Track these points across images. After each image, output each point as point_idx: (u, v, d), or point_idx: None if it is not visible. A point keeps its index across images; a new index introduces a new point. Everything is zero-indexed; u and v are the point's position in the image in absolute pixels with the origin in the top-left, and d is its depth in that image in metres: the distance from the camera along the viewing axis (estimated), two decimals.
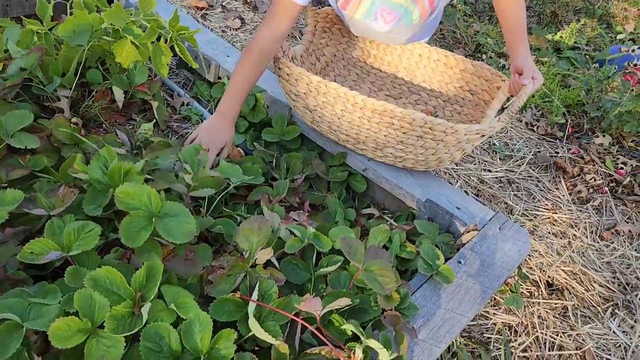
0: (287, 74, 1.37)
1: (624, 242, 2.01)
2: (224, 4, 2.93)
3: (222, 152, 1.40)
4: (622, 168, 2.33)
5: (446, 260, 1.23)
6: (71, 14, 1.73)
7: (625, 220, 2.10)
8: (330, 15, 1.63)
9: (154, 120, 1.51)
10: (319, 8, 1.63)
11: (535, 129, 2.54)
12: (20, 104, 1.38)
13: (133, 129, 1.50)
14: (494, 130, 1.34)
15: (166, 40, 1.55)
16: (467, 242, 1.30)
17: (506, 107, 1.34)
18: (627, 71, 2.13)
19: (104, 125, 1.50)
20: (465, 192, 2.12)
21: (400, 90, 1.65)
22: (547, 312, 1.65)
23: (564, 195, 2.20)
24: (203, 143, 1.35)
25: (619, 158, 2.40)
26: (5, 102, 1.36)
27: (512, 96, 1.51)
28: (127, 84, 1.51)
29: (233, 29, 2.68)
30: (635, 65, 2.10)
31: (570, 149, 2.42)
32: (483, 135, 1.35)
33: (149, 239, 0.95)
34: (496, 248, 1.29)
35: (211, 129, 1.39)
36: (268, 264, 1.05)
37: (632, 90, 2.13)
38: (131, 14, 1.56)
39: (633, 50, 2.13)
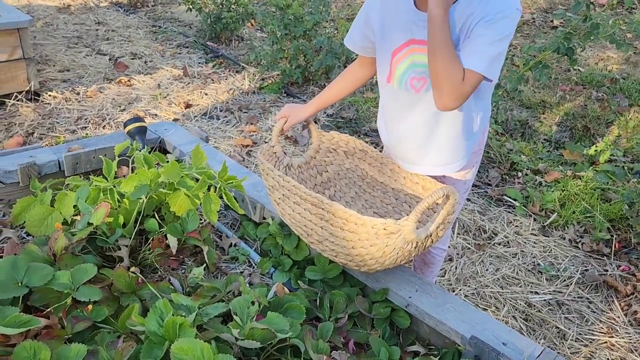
0: (262, 170, 1.59)
1: None
2: (266, 140, 3.17)
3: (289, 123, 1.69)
4: None
5: None
6: (133, 168, 1.94)
7: None
8: (336, 139, 1.81)
9: (204, 265, 1.61)
10: (326, 131, 1.80)
11: (580, 246, 2.51)
12: (86, 257, 1.51)
13: (184, 274, 1.60)
14: (403, 228, 1.28)
15: (215, 189, 1.70)
16: None
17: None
18: None
19: (159, 272, 1.61)
20: (514, 317, 2.08)
21: (386, 209, 1.77)
22: None
23: (619, 317, 2.11)
24: (284, 113, 1.69)
25: None
26: (73, 255, 1.50)
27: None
28: (180, 232, 1.64)
29: None
30: None
31: (619, 266, 2.36)
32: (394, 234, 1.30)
33: None
34: None
35: (294, 106, 1.72)
36: None
37: None
38: (184, 168, 1.74)
39: None
